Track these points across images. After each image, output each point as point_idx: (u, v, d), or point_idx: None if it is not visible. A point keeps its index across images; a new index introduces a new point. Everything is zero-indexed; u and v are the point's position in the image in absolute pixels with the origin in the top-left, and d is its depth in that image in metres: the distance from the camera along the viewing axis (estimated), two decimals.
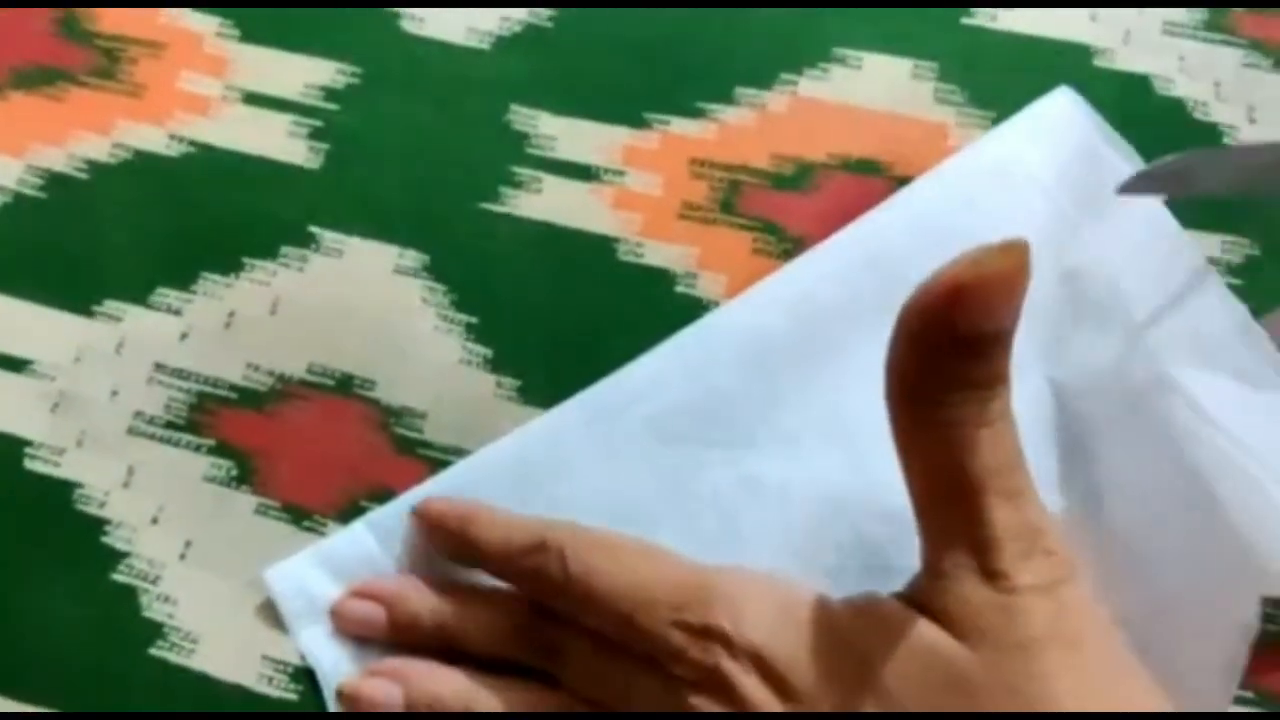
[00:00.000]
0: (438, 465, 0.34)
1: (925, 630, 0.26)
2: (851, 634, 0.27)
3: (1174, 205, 0.35)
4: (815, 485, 0.33)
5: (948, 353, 0.25)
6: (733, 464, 0.33)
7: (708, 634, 0.28)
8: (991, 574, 0.26)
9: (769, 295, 0.35)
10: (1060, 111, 0.36)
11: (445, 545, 0.33)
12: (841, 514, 0.32)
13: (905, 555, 0.30)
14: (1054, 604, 0.25)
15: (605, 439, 0.33)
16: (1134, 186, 0.32)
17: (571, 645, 0.31)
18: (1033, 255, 0.27)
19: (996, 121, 0.38)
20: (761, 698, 0.27)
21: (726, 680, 0.27)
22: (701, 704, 0.28)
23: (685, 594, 0.29)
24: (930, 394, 0.25)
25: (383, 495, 0.34)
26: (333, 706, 0.32)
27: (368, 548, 0.33)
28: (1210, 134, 0.37)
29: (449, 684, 0.31)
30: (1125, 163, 0.35)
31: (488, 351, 0.36)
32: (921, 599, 0.27)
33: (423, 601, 0.32)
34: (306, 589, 0.33)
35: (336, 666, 0.32)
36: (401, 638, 0.32)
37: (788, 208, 0.37)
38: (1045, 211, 0.35)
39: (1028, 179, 0.35)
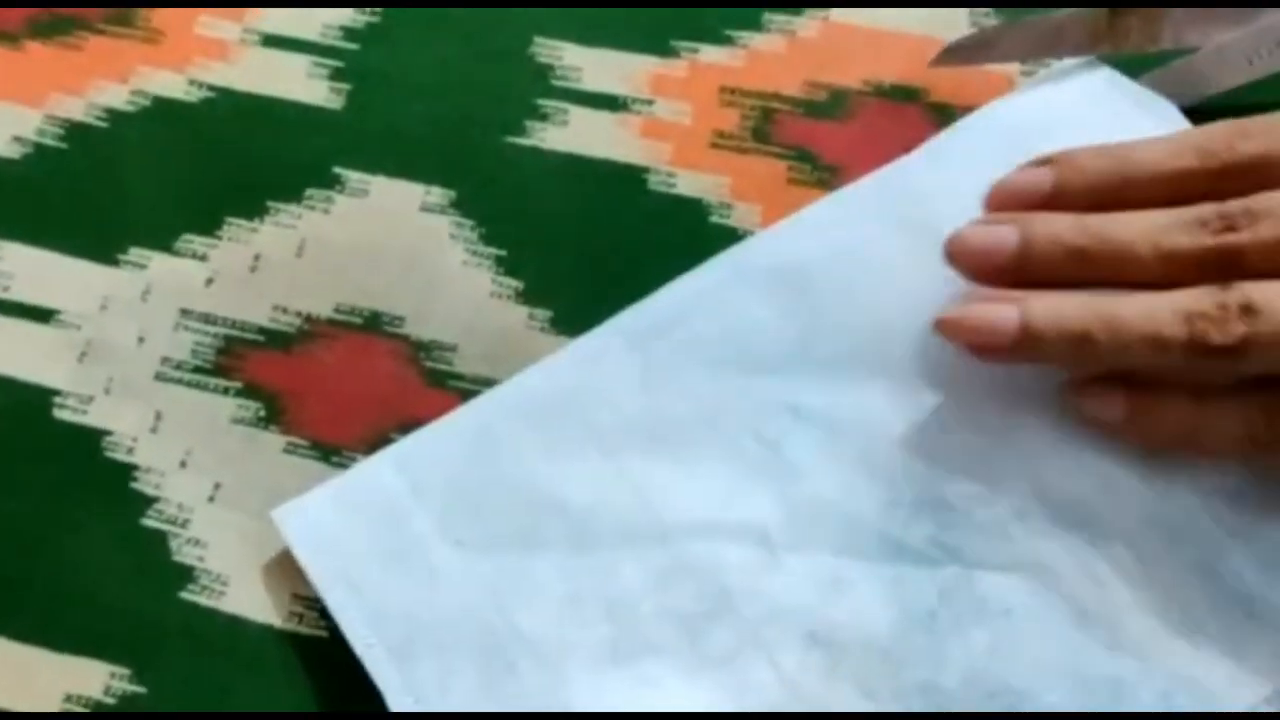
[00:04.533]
0: (469, 396, 0.33)
1: None
2: None
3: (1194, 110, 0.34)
4: (858, 421, 0.32)
5: None
6: (772, 391, 0.32)
7: None
8: None
9: (808, 224, 0.34)
10: (1094, 80, 0.35)
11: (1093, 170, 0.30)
12: (887, 447, 0.31)
13: (956, 485, 0.31)
14: None
15: (643, 362, 0.33)
16: (942, 60, 0.35)
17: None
18: None
19: None
20: None
21: None
22: None
23: None
24: None
25: (413, 428, 0.33)
26: (358, 648, 0.30)
27: (388, 479, 0.32)
28: None
29: (1074, 227, 0.29)
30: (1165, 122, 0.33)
31: (518, 284, 0.35)
32: None
33: (1065, 220, 0.29)
34: (319, 526, 0.31)
35: (353, 605, 0.31)
36: (1031, 264, 0.29)
37: (822, 135, 0.36)
38: None
39: (1063, 134, 0.34)
